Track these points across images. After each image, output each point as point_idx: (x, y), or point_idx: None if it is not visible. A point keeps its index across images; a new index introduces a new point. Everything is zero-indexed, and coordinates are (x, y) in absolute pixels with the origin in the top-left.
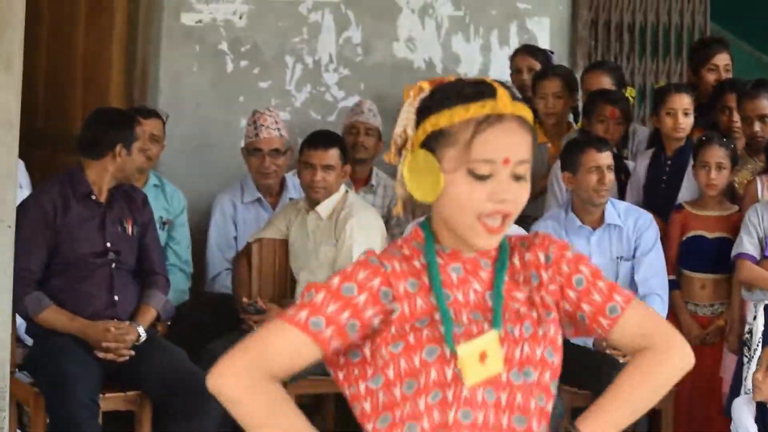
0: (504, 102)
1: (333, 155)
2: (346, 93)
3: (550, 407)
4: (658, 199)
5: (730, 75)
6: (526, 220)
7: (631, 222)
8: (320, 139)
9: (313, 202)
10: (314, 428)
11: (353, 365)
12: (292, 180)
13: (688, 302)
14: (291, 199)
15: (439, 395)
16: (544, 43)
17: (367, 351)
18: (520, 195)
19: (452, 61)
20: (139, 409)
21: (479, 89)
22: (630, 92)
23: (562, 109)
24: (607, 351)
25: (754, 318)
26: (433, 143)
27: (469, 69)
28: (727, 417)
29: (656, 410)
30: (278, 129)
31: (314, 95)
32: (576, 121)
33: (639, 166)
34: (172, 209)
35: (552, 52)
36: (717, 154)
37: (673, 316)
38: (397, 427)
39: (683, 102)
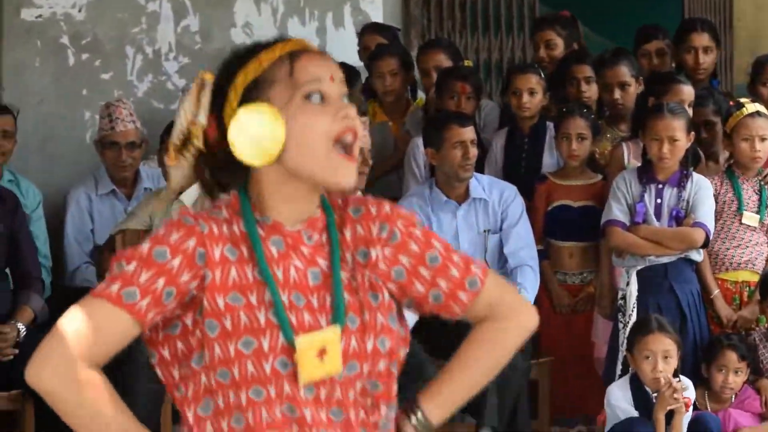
0: (300, 40)
1: None
2: (187, 81)
3: (388, 390)
4: (519, 177)
5: (555, 52)
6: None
7: (497, 195)
8: None
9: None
10: (136, 420)
11: (174, 339)
12: (145, 170)
13: (557, 271)
14: (146, 189)
15: (262, 393)
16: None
17: (188, 321)
18: (357, 115)
19: None
20: (21, 407)
21: (276, 38)
22: (468, 63)
23: (400, 87)
24: None
25: (627, 284)
26: (251, 97)
27: None
28: (604, 381)
29: (534, 380)
30: (133, 121)
31: (155, 84)
32: (414, 98)
33: (495, 145)
34: (28, 204)
35: (399, 29)
36: (578, 125)
37: (543, 286)
38: (223, 417)
39: (529, 82)
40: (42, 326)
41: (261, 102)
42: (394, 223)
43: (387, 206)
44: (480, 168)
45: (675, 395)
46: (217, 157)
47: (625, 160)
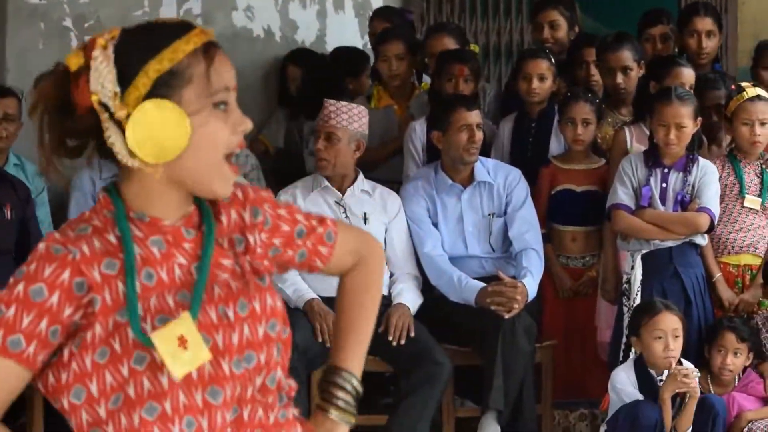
0: (209, 32)
1: None
2: None
3: (279, 376)
4: (525, 162)
5: (559, 33)
6: (388, 184)
7: (501, 178)
8: None
9: None
10: None
11: (52, 368)
12: None
13: (560, 255)
14: None
15: (157, 409)
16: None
17: (65, 352)
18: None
19: (290, 29)
20: (31, 392)
21: (181, 23)
22: (474, 48)
23: (406, 71)
24: (492, 307)
25: (632, 268)
26: (163, 90)
27: (306, 35)
28: (609, 364)
29: (537, 364)
30: None
31: None
32: (419, 83)
33: (503, 130)
34: (34, 189)
35: (411, 12)
36: (583, 109)
37: (546, 270)
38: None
39: (539, 67)
40: None
41: (171, 100)
42: (263, 208)
43: (249, 189)
44: (485, 152)
45: (686, 379)
46: (79, 125)
47: (628, 144)
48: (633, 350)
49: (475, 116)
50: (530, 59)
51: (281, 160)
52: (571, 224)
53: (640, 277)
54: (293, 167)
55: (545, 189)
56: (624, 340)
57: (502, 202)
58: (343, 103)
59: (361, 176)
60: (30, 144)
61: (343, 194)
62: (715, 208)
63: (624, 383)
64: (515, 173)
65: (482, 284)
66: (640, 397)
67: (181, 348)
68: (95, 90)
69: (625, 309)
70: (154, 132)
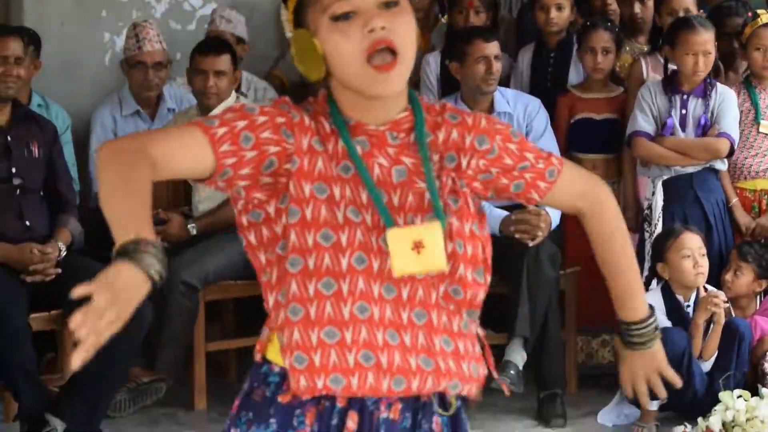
0: None
1: (225, 61)
2: (203, 2)
3: (472, 296)
4: (545, 92)
5: None
6: None
7: (521, 108)
8: (211, 45)
9: (205, 109)
10: (146, 216)
11: (259, 225)
12: (168, 90)
13: None
14: (170, 109)
15: (334, 286)
16: None
17: (271, 209)
18: (396, 22)
19: None
20: (61, 328)
21: None
22: None
23: (428, 3)
24: (516, 235)
25: (653, 194)
26: (300, 19)
27: None
28: None
29: (561, 290)
30: (160, 42)
31: (173, 5)
32: (442, 15)
33: (521, 61)
34: (58, 127)
35: None
36: (603, 38)
37: None
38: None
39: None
40: (79, 250)
41: (303, 27)
42: (493, 138)
43: (483, 119)
44: (505, 83)
45: (716, 303)
46: None
47: (645, 75)
48: (655, 279)
49: (492, 47)
50: None
51: (298, 93)
52: (591, 152)
53: (661, 203)
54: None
55: (564, 118)
56: (647, 266)
57: (522, 131)
58: None
59: None
60: (53, 83)
61: None
62: (735, 133)
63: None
64: (535, 103)
65: (505, 213)
66: (668, 323)
67: (415, 252)
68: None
69: (647, 235)
70: (301, 56)
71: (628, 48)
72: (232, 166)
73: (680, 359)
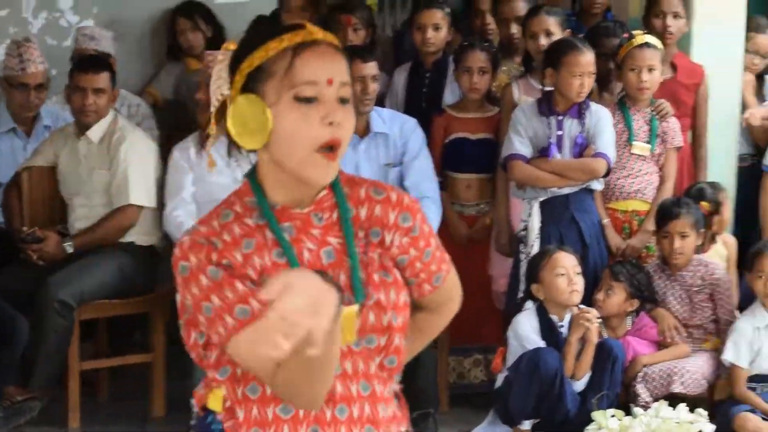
0: (313, 30)
1: (104, 78)
2: (80, 18)
3: (400, 364)
4: (420, 112)
5: None
6: None
7: (397, 128)
8: (90, 62)
9: (83, 127)
10: None
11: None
12: (44, 108)
13: (454, 203)
14: (46, 126)
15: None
16: None
17: None
18: (349, 119)
19: None
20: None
21: (287, 25)
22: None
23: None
24: None
25: (529, 215)
26: (252, 85)
27: None
28: (505, 312)
29: None
30: (42, 62)
31: (50, 21)
32: None
33: (397, 80)
34: None
35: None
36: (479, 58)
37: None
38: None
39: (434, 17)
40: None
41: (256, 94)
42: (415, 217)
43: (406, 197)
44: (380, 102)
45: (588, 321)
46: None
47: (516, 98)
48: (530, 300)
49: (369, 68)
50: (425, 9)
51: (170, 112)
52: (466, 172)
53: (539, 224)
54: (183, 119)
55: (439, 137)
56: (522, 287)
57: (398, 151)
58: (220, 51)
59: None
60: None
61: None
62: (612, 153)
63: (527, 330)
64: (411, 122)
65: None
66: (542, 344)
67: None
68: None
69: (522, 256)
70: (244, 122)
71: (505, 68)
72: None
73: (553, 379)
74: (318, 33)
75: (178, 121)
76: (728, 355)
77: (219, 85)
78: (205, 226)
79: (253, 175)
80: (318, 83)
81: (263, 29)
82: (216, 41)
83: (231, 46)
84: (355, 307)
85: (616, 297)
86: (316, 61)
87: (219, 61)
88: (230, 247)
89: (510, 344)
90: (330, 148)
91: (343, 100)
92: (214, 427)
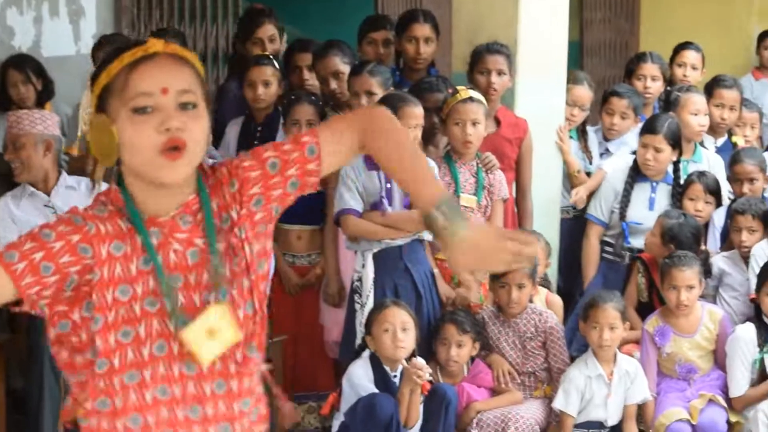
0: (154, 43)
1: None
2: None
3: (261, 342)
4: None
5: (275, 46)
6: None
7: None
8: None
9: None
10: None
11: (68, 335)
12: None
13: (286, 253)
14: None
15: (137, 376)
16: (91, 13)
17: (76, 317)
18: (191, 124)
19: (8, 34)
20: None
21: (131, 43)
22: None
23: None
24: None
25: (363, 266)
26: (102, 105)
27: (23, 41)
28: (341, 362)
29: (268, 359)
30: None
31: None
32: None
33: (229, 132)
34: None
35: None
36: (307, 111)
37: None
38: (119, 417)
39: (263, 74)
40: None
41: (104, 113)
42: (237, 173)
43: (231, 163)
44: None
45: (418, 374)
46: None
47: None
48: (368, 348)
49: None
50: (255, 66)
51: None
52: (296, 223)
53: (372, 275)
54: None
55: None
56: (359, 337)
57: None
58: (24, 111)
59: (64, 174)
60: None
61: (49, 195)
62: None
63: (360, 378)
64: None
65: None
66: (376, 391)
67: (210, 339)
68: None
69: (357, 306)
70: (97, 140)
71: None
72: (36, 293)
73: (389, 423)
74: (157, 45)
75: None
76: (558, 403)
77: (85, 107)
78: (84, 210)
79: (120, 183)
80: (152, 94)
81: (109, 52)
82: (45, 94)
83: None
84: (222, 306)
85: (467, 348)
86: (151, 73)
87: (87, 87)
88: (101, 238)
89: (344, 391)
90: (175, 148)
91: (184, 105)
92: None
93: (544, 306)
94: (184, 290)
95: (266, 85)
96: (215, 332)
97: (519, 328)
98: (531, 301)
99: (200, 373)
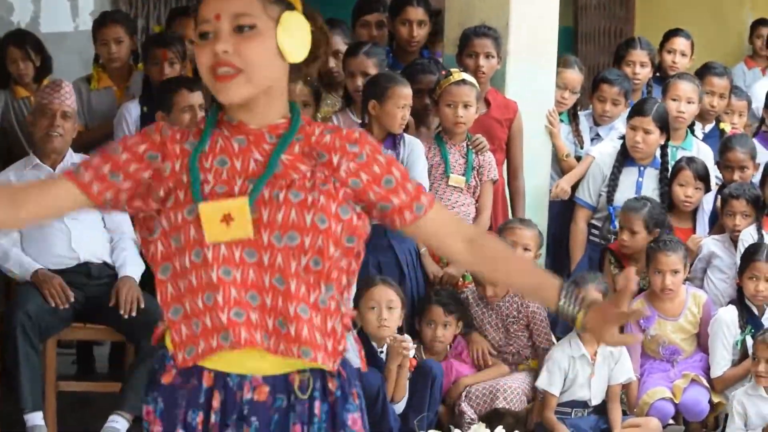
0: None
1: None
2: None
3: (330, 270)
4: None
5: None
6: None
7: None
8: None
9: None
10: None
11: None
12: None
13: None
14: None
15: (200, 254)
16: None
17: (164, 221)
18: (244, 47)
19: (7, 10)
20: None
21: None
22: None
23: (125, 54)
24: None
25: None
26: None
27: (22, 17)
28: None
29: None
30: None
31: None
32: (136, 63)
33: None
34: None
35: None
36: (302, 91)
37: None
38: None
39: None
40: None
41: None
42: (363, 146)
43: (357, 132)
44: None
45: (404, 349)
46: None
47: None
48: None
49: (196, 97)
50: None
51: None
52: None
53: None
54: (13, 147)
55: None
56: None
57: None
58: (66, 83)
59: (70, 150)
60: None
61: (54, 170)
62: (425, 182)
63: (348, 352)
64: None
65: None
66: (362, 365)
67: (224, 224)
68: None
69: None
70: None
71: (329, 101)
72: (112, 197)
73: (375, 397)
74: None
75: (8, 148)
76: (541, 383)
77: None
78: (169, 123)
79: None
80: (209, 20)
81: None
82: (43, 70)
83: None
84: (244, 199)
85: (451, 328)
86: (210, 2)
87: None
88: (174, 140)
89: None
90: (225, 71)
91: (240, 28)
92: (167, 361)
93: None
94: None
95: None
96: (230, 220)
97: (501, 311)
98: None
99: (260, 262)
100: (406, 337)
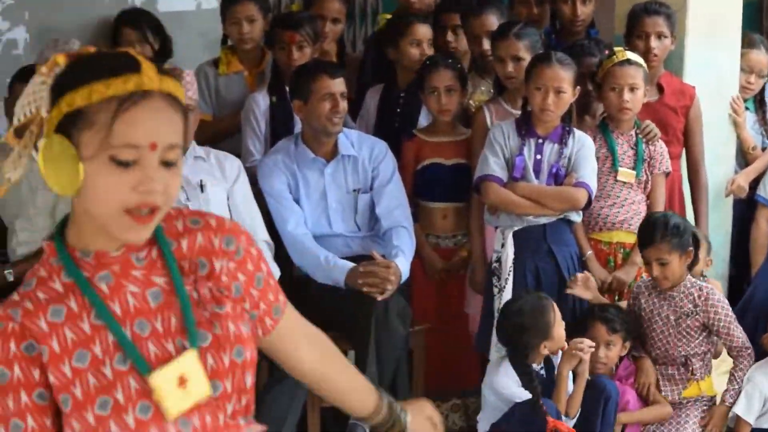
0: (150, 76)
1: None
2: (10, 24)
3: (249, 403)
4: (393, 136)
5: None
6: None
7: (366, 151)
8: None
9: None
10: None
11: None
12: None
13: (429, 234)
14: None
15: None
16: None
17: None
18: (171, 185)
19: None
20: None
21: (121, 62)
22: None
23: (257, 34)
24: (364, 289)
25: (502, 246)
26: (69, 127)
27: None
28: (479, 351)
29: (410, 349)
30: None
31: None
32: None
33: (369, 101)
34: None
35: None
36: (445, 77)
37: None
38: None
39: (420, 32)
40: None
41: (72, 139)
42: (239, 239)
43: (227, 221)
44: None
45: (581, 346)
46: None
47: (488, 123)
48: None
49: (338, 84)
50: (407, 25)
51: None
52: (441, 200)
53: (512, 256)
54: None
55: (410, 164)
56: (495, 325)
57: (368, 176)
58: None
59: (193, 143)
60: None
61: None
62: (593, 184)
63: (509, 386)
64: (381, 146)
65: (351, 264)
66: (528, 394)
67: (181, 389)
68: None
69: (495, 290)
70: (52, 164)
71: (483, 87)
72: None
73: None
74: (154, 81)
75: None
76: (739, 409)
77: (32, 101)
78: (5, 302)
79: (58, 233)
80: (139, 147)
81: (93, 61)
82: (162, 55)
83: (61, 60)
84: (193, 353)
85: (616, 348)
86: (142, 121)
87: (41, 74)
88: (33, 315)
89: (486, 399)
90: (150, 211)
91: (167, 164)
92: None
93: None
94: (153, 338)
95: (418, 45)
96: (186, 382)
97: (675, 302)
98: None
99: (195, 429)
100: (582, 339)
